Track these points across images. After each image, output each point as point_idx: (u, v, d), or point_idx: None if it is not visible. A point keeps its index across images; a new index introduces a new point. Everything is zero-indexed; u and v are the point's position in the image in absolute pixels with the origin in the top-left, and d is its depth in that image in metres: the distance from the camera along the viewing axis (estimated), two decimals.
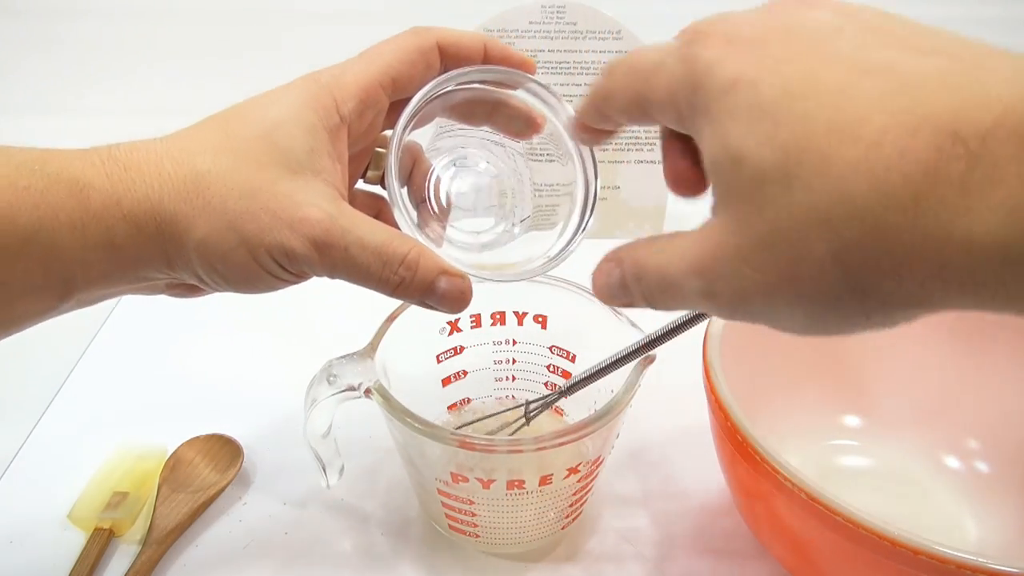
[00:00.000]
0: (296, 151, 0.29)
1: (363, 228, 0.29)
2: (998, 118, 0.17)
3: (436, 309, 0.31)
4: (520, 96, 0.34)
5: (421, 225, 0.34)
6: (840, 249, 0.19)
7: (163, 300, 0.59)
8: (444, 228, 0.35)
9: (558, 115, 0.33)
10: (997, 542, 0.38)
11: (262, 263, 0.28)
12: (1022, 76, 0.18)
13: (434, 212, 0.35)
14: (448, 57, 0.32)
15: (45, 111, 0.84)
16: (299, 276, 0.30)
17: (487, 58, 0.33)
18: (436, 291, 0.30)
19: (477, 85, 0.33)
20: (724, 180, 0.21)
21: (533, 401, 0.38)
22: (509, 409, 0.40)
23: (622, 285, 0.26)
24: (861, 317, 0.21)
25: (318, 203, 0.28)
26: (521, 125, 0.35)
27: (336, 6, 0.83)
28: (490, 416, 0.40)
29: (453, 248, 0.34)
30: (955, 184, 0.17)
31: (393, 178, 0.30)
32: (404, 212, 0.30)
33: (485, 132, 0.36)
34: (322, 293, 0.58)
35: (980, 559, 0.26)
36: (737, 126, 0.21)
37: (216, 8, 0.84)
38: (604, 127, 0.29)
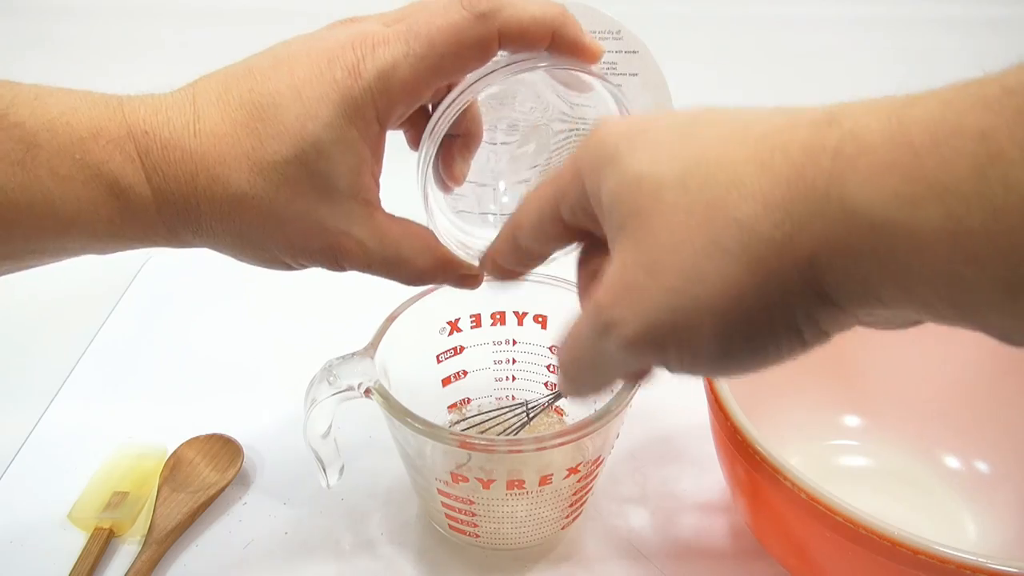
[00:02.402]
0: (335, 177, 0.28)
1: (389, 250, 0.30)
2: (869, 108, 0.19)
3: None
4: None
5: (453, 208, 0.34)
6: (737, 233, 0.20)
7: (161, 299, 0.59)
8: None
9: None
10: (997, 542, 0.38)
11: (292, 268, 0.30)
12: (887, 96, 0.19)
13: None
14: (507, 43, 0.29)
15: None
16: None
17: (553, 46, 0.30)
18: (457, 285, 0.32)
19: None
20: (629, 199, 0.22)
21: (533, 403, 0.38)
22: (508, 408, 0.39)
23: (565, 382, 0.27)
24: (765, 325, 0.21)
25: (351, 231, 0.29)
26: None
27: (339, 7, 0.83)
28: (490, 418, 0.40)
29: (487, 228, 0.34)
30: (829, 154, 0.19)
31: (427, 197, 0.30)
32: (436, 221, 0.31)
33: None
34: (322, 293, 0.58)
35: (980, 559, 0.26)
36: (636, 159, 0.22)
37: (218, 6, 0.84)
38: (518, 265, 0.29)
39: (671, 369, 0.23)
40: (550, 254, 0.29)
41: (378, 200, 0.30)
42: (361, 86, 0.27)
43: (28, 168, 0.26)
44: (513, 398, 0.43)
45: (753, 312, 0.21)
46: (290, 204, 0.28)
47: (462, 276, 0.32)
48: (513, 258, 0.29)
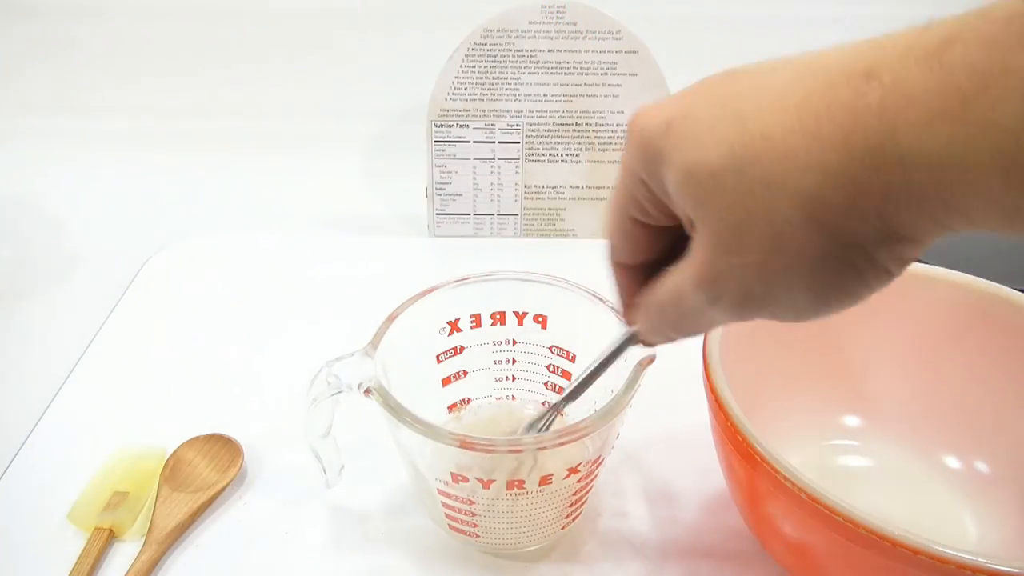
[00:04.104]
0: None
1: None
2: (903, 53, 0.19)
3: None
4: None
5: None
6: (802, 204, 0.21)
7: (162, 299, 0.59)
8: None
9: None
10: (996, 542, 0.38)
11: None
12: (912, 33, 0.20)
13: None
14: None
15: (62, 111, 0.85)
16: None
17: None
18: None
19: None
20: (690, 192, 0.23)
21: (536, 421, 0.37)
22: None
23: (650, 326, 0.29)
24: (852, 274, 0.22)
25: None
26: None
27: (343, 6, 0.83)
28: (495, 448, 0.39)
29: None
30: (875, 113, 0.19)
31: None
32: None
33: None
34: (322, 293, 0.58)
35: (980, 559, 0.26)
36: (684, 150, 0.23)
37: (234, 8, 0.84)
38: (629, 257, 0.29)
39: (776, 319, 0.25)
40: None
41: None
42: None
43: None
44: (513, 398, 0.43)
45: (839, 268, 0.22)
46: None
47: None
48: (631, 287, 0.30)
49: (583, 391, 0.35)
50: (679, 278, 0.25)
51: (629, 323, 0.30)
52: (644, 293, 0.28)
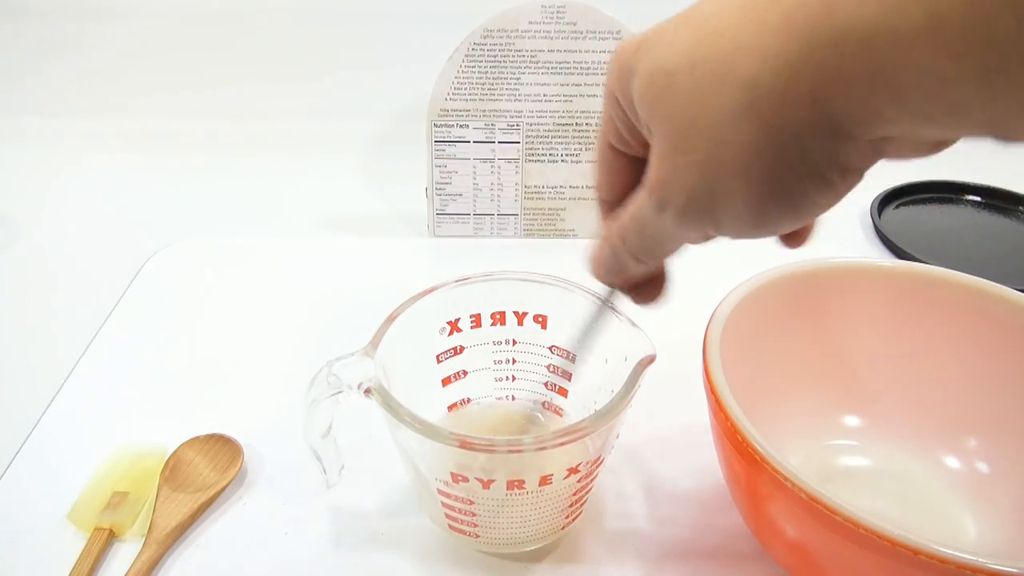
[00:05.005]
0: None
1: None
2: None
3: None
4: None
5: None
6: (743, 92, 0.21)
7: (161, 300, 0.59)
8: None
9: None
10: (996, 542, 0.38)
11: None
12: None
13: None
14: None
15: (62, 113, 0.85)
16: None
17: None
18: None
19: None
20: (649, 96, 0.24)
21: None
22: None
23: (613, 254, 0.29)
24: (788, 175, 0.22)
25: None
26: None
27: (343, 7, 0.83)
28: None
29: None
30: None
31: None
32: None
33: None
34: (322, 293, 0.58)
35: (979, 559, 0.26)
36: (648, 58, 0.24)
37: (234, 9, 0.84)
38: (609, 191, 0.30)
39: (725, 235, 0.25)
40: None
41: None
42: None
43: None
44: (513, 398, 0.43)
45: (774, 166, 0.22)
46: None
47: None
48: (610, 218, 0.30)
49: (582, 353, 0.36)
50: (637, 194, 0.26)
51: (599, 252, 0.31)
52: (607, 222, 0.29)
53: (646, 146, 0.26)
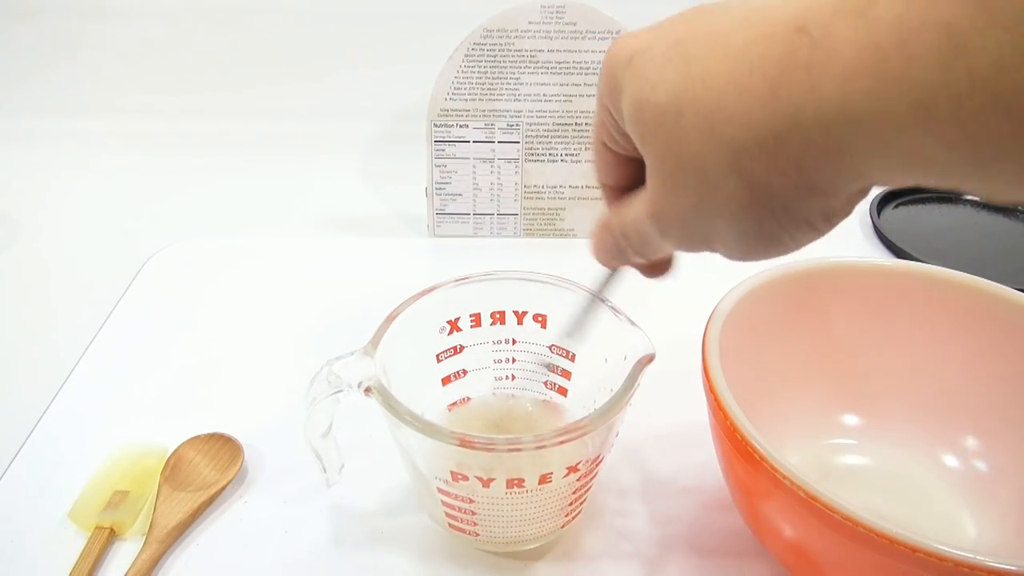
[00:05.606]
0: None
1: None
2: (835, 7, 0.20)
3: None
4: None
5: None
6: (728, 154, 0.22)
7: (162, 300, 0.59)
8: None
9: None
10: (995, 540, 0.38)
11: None
12: None
13: None
14: None
15: (62, 113, 0.85)
16: None
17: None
18: None
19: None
20: (638, 126, 0.24)
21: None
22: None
23: (616, 246, 0.29)
24: (774, 224, 0.23)
25: None
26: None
27: (343, 7, 0.83)
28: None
29: None
30: (801, 68, 0.20)
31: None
32: None
33: None
34: (322, 292, 0.58)
35: (978, 557, 0.26)
36: (636, 85, 0.24)
37: (234, 9, 0.84)
38: (609, 179, 0.30)
39: (726, 257, 0.26)
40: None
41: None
42: None
43: None
44: (513, 397, 0.43)
45: (761, 217, 0.23)
46: None
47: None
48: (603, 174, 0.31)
49: (581, 331, 0.36)
50: (638, 207, 0.27)
51: (601, 240, 0.31)
52: (611, 213, 0.30)
53: (636, 148, 0.26)
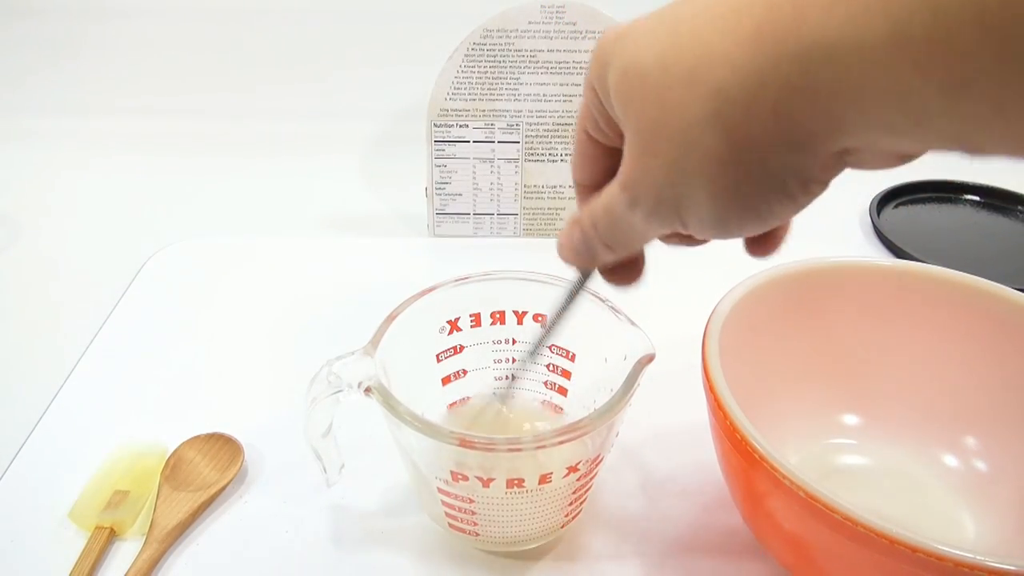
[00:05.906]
0: None
1: None
2: None
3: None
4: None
5: None
6: (710, 99, 0.22)
7: (162, 299, 0.59)
8: None
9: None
10: (995, 540, 0.38)
11: None
12: None
13: None
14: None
15: (63, 113, 0.85)
16: None
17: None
18: None
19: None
20: (622, 92, 0.24)
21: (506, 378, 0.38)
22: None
23: (584, 239, 0.29)
24: (750, 183, 0.23)
25: None
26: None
27: (343, 7, 0.83)
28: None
29: None
30: (787, 5, 0.20)
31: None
32: None
33: None
34: (322, 292, 0.58)
35: (978, 557, 0.26)
36: (626, 51, 0.24)
37: (234, 9, 0.84)
38: (585, 176, 0.30)
39: (692, 232, 0.26)
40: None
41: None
42: None
43: None
44: (513, 397, 0.43)
45: (737, 175, 0.22)
46: None
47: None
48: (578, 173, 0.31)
49: (548, 340, 0.36)
50: (610, 187, 0.27)
51: (568, 235, 0.31)
52: (581, 208, 0.29)
53: (622, 137, 0.26)
